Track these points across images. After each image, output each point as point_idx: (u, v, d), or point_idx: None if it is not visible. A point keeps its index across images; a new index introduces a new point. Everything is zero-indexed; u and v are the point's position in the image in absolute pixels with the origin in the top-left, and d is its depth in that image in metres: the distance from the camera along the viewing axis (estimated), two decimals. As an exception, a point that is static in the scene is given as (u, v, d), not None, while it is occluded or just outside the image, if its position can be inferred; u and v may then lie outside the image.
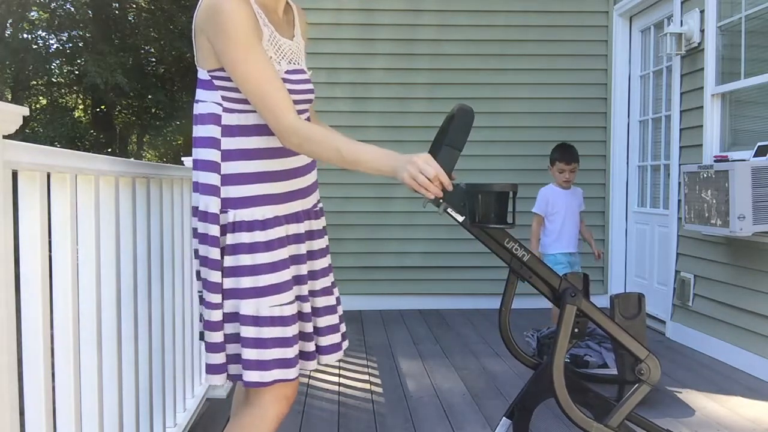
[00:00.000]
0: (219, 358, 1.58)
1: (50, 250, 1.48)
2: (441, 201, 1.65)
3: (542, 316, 4.68)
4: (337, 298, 1.77)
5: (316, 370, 3.60)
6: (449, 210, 1.66)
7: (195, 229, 1.62)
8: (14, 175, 1.30)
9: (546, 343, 3.71)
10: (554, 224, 3.96)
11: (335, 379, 3.50)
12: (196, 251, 1.62)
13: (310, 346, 1.63)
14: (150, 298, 2.17)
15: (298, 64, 1.67)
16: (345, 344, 1.79)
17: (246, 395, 1.66)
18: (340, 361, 3.82)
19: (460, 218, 1.67)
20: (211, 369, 1.58)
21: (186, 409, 2.69)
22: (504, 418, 1.93)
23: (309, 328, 1.63)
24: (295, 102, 1.62)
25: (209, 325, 1.57)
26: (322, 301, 1.69)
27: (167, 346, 2.38)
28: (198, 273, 1.64)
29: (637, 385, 1.67)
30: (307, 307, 1.62)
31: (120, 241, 1.89)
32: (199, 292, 1.66)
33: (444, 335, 4.50)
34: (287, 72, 1.61)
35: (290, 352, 1.54)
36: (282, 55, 1.61)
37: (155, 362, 2.23)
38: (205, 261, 1.57)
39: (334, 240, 5.17)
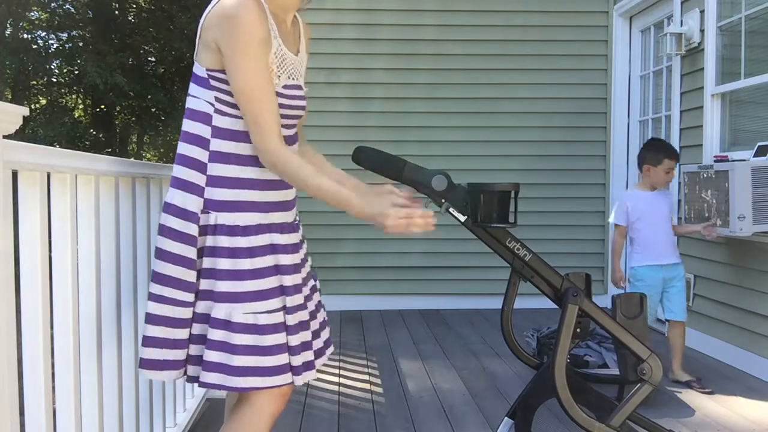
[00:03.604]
0: (180, 354, 1.56)
1: (50, 250, 1.47)
2: (443, 201, 1.65)
3: (542, 316, 4.68)
4: (312, 311, 1.74)
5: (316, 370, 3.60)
6: (451, 210, 1.66)
7: (169, 227, 1.56)
8: (14, 175, 1.30)
9: (546, 343, 3.70)
10: (639, 232, 3.41)
11: (335, 379, 3.50)
12: (163, 251, 1.56)
13: (309, 355, 1.62)
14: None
15: (297, 79, 1.66)
16: (329, 351, 1.79)
17: (240, 395, 1.65)
18: (340, 361, 3.81)
19: (462, 218, 1.67)
20: (163, 365, 1.56)
21: (186, 409, 2.69)
22: (506, 417, 1.93)
23: (308, 336, 1.62)
24: (289, 117, 1.62)
25: (174, 322, 1.54)
26: (303, 314, 1.67)
27: (167, 346, 2.38)
28: (160, 274, 1.57)
29: (639, 385, 1.67)
30: (291, 320, 1.59)
31: (120, 241, 1.89)
32: (155, 294, 1.59)
33: (444, 335, 4.50)
34: (285, 87, 1.60)
35: (269, 361, 1.52)
36: (283, 69, 1.60)
37: (155, 362, 2.23)
38: (183, 260, 1.54)
39: (333, 240, 5.21)
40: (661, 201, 3.47)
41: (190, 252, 1.54)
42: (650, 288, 3.33)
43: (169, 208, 1.57)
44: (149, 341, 1.56)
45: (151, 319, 1.56)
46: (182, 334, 1.56)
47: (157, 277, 1.57)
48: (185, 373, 1.59)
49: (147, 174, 2.15)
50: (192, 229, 1.55)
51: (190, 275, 1.55)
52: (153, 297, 1.56)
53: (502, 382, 3.44)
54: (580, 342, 3.46)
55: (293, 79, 1.64)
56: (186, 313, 1.55)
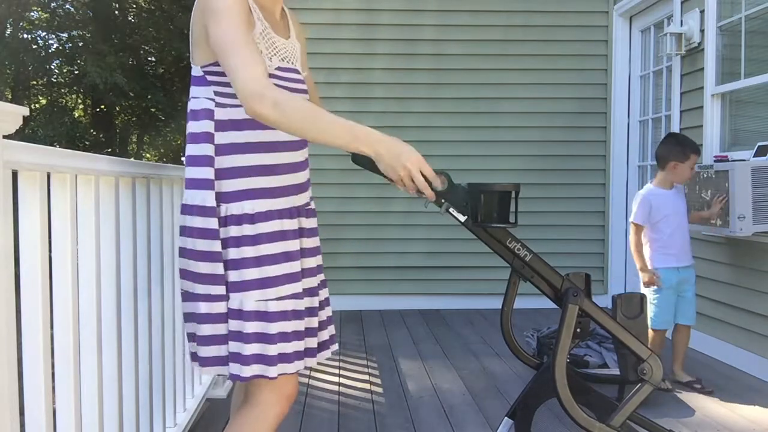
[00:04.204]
0: (224, 350, 1.57)
1: (50, 250, 1.47)
2: (443, 201, 1.65)
3: (542, 316, 4.68)
4: (322, 301, 1.75)
5: (316, 370, 3.60)
6: (451, 210, 1.66)
7: (191, 227, 1.58)
8: (14, 175, 1.30)
9: (546, 343, 3.71)
10: (661, 233, 3.29)
11: (335, 379, 3.50)
12: (191, 250, 1.58)
13: (301, 345, 1.62)
14: (150, 298, 2.17)
15: (293, 64, 1.68)
16: (333, 347, 1.78)
17: (245, 395, 1.65)
18: (340, 361, 3.81)
19: (462, 218, 1.67)
20: (213, 361, 1.58)
21: (186, 409, 2.69)
22: (506, 417, 1.93)
23: (301, 326, 1.62)
24: None
25: (218, 318, 1.56)
26: (306, 302, 1.68)
27: (167, 345, 2.38)
28: (184, 271, 1.60)
29: (639, 385, 1.67)
30: (301, 305, 1.61)
31: (120, 241, 1.89)
32: (183, 290, 1.63)
33: (444, 335, 4.50)
34: (278, 69, 1.62)
35: (272, 350, 1.53)
36: (274, 51, 1.62)
37: (155, 362, 2.23)
38: (211, 255, 1.56)
39: (333, 240, 5.20)
40: (681, 200, 3.40)
41: (216, 246, 1.56)
42: (669, 291, 3.28)
43: (191, 209, 1.58)
44: (205, 340, 1.57)
45: (202, 318, 1.57)
46: (225, 329, 1.57)
47: (198, 278, 1.57)
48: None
49: (147, 174, 2.15)
50: (213, 223, 1.56)
51: (220, 268, 1.56)
52: (198, 297, 1.57)
53: (502, 382, 3.44)
54: (580, 342, 3.45)
55: (288, 62, 1.66)
56: (222, 307, 1.57)
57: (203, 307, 1.57)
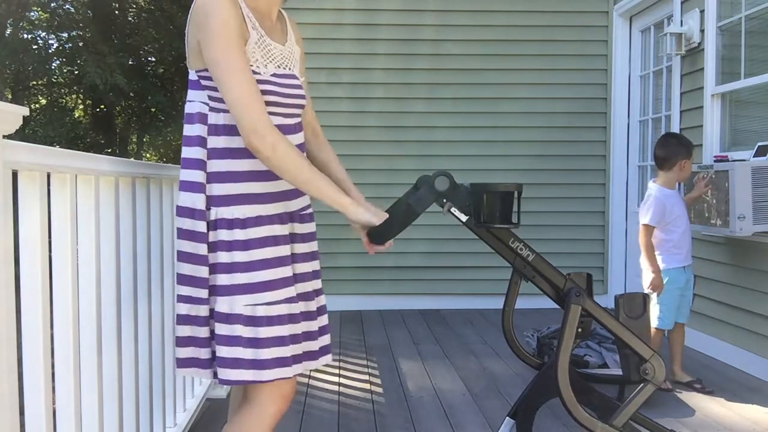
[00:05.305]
0: (204, 353, 1.59)
1: (50, 250, 1.47)
2: (445, 201, 1.65)
3: (543, 316, 4.68)
4: (319, 308, 1.73)
5: (316, 370, 3.60)
6: (453, 210, 1.66)
7: (181, 229, 1.59)
8: (14, 175, 1.29)
9: (546, 343, 3.70)
10: (673, 234, 3.30)
11: (335, 379, 3.49)
12: (180, 252, 1.59)
13: (298, 349, 1.61)
14: (150, 298, 2.17)
15: (289, 69, 1.68)
16: (324, 359, 1.73)
17: (244, 394, 1.65)
18: (340, 361, 3.81)
19: (464, 218, 1.67)
20: (190, 363, 1.60)
21: (186, 409, 2.69)
22: (507, 417, 1.93)
23: (298, 330, 1.62)
24: (284, 105, 1.63)
25: (199, 321, 1.57)
26: (301, 306, 1.67)
27: (167, 346, 2.38)
28: (180, 275, 1.61)
29: (642, 385, 1.67)
30: (296, 309, 1.61)
31: (120, 241, 1.89)
32: (182, 295, 1.63)
33: (444, 335, 4.50)
34: (274, 75, 1.61)
35: (264, 354, 1.53)
36: (270, 58, 1.62)
37: (155, 362, 2.23)
38: (195, 258, 1.57)
39: (333, 240, 5.20)
40: (682, 199, 3.43)
41: (202, 249, 1.56)
42: (678, 290, 3.31)
43: (181, 211, 1.60)
44: (181, 341, 1.60)
45: (181, 319, 1.59)
46: (206, 332, 1.58)
47: (180, 279, 1.60)
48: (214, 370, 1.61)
49: (147, 174, 2.15)
50: (200, 226, 1.57)
51: (203, 272, 1.57)
52: (180, 298, 1.60)
53: (502, 382, 3.44)
54: (580, 342, 3.45)
55: (284, 68, 1.66)
56: (205, 311, 1.58)
57: (183, 309, 1.59)
